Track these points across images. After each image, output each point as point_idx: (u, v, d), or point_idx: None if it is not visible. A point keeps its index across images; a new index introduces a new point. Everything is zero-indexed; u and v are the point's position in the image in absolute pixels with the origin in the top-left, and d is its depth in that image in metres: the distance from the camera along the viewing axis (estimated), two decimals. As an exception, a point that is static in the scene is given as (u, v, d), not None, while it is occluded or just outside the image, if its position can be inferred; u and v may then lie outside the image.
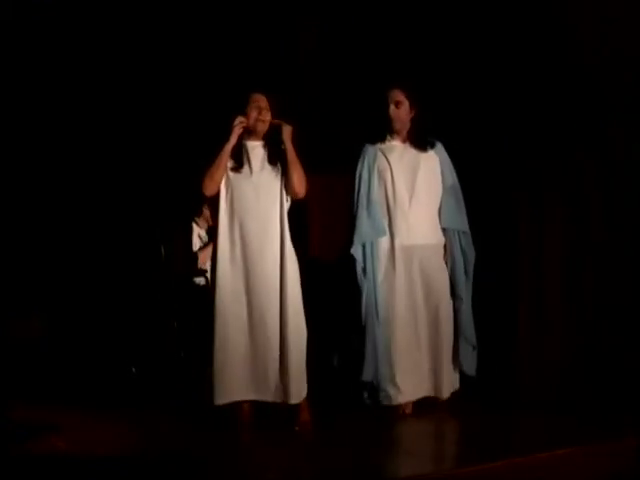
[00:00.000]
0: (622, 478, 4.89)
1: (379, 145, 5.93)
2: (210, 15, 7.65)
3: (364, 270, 5.84)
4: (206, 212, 7.02)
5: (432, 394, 5.89)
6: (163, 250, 6.84)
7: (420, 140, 5.89)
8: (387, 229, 5.85)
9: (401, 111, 5.86)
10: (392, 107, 5.85)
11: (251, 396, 5.48)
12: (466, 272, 5.94)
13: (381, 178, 5.88)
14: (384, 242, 5.86)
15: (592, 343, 6.34)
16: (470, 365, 5.96)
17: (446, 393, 5.88)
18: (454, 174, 5.97)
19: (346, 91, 7.52)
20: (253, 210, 5.45)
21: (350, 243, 5.89)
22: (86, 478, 4.67)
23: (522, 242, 6.68)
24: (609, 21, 6.36)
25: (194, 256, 6.88)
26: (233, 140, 5.44)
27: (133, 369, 6.89)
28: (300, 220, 5.88)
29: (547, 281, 6.35)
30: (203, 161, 5.86)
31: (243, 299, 5.43)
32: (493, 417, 5.77)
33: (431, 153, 5.90)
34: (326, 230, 7.51)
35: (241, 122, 5.43)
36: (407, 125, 5.89)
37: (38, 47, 7.64)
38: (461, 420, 5.75)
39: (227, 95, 6.23)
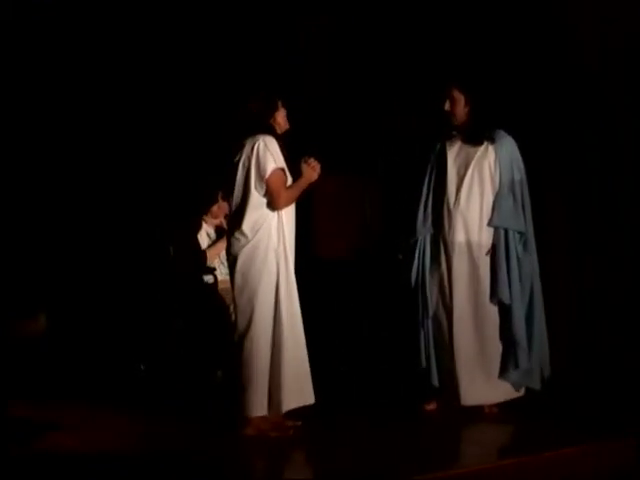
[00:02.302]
0: (623, 478, 4.89)
1: (447, 140, 5.91)
2: (212, 15, 7.62)
3: (418, 264, 5.86)
4: (214, 209, 6.98)
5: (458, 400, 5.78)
6: (171, 249, 6.80)
7: (473, 135, 5.81)
8: (434, 226, 5.85)
9: (455, 107, 5.81)
10: (447, 103, 5.82)
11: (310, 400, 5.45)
12: (520, 276, 5.74)
13: (439, 173, 5.88)
14: (434, 237, 5.86)
15: (592, 343, 6.36)
16: (524, 375, 5.77)
17: (467, 400, 5.75)
18: (517, 171, 5.79)
19: (353, 89, 7.48)
20: (290, 209, 5.50)
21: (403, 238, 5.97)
22: (92, 476, 4.67)
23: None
24: (609, 21, 6.37)
25: (203, 254, 6.86)
26: (311, 180, 5.45)
27: (141, 367, 6.85)
28: (306, 219, 5.90)
29: (551, 281, 6.37)
30: (211, 161, 5.88)
31: (295, 304, 5.42)
32: (495, 417, 5.78)
33: (489, 148, 5.78)
34: (331, 227, 7.50)
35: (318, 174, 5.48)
36: (463, 120, 5.83)
37: (38, 47, 7.57)
38: (463, 420, 5.72)
39: (232, 95, 6.22)
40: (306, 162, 5.45)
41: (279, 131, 5.50)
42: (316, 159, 5.46)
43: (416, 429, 5.57)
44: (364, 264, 7.23)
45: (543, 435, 5.24)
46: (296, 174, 5.47)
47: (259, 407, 5.30)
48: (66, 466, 4.80)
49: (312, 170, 5.46)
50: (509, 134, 5.82)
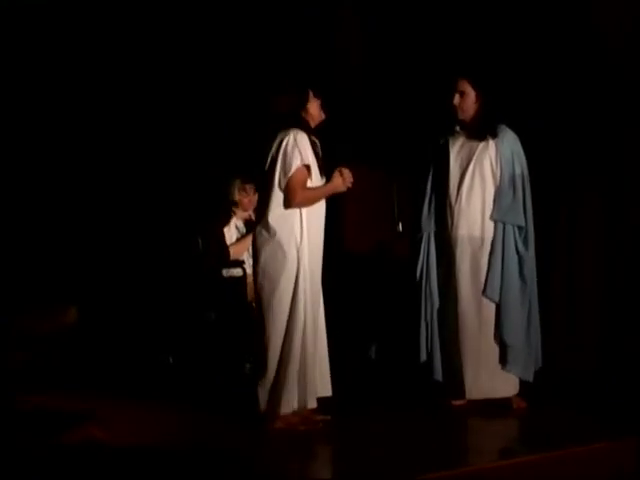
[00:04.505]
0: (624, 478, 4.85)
1: (449, 137, 5.88)
2: (241, 6, 7.65)
3: (423, 259, 5.88)
4: (245, 202, 7.03)
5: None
6: (200, 242, 6.85)
7: (478, 130, 5.77)
8: (439, 221, 5.86)
9: (465, 101, 5.77)
10: (456, 97, 5.78)
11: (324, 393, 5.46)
12: (520, 272, 5.71)
13: (442, 169, 5.85)
14: (439, 234, 5.87)
15: (623, 343, 6.32)
16: (523, 369, 5.75)
17: (467, 394, 5.76)
18: (519, 166, 5.73)
19: (386, 83, 7.47)
20: (319, 207, 5.45)
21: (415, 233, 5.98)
22: (119, 468, 4.69)
23: (557, 232, 6.68)
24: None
25: (226, 248, 6.85)
26: (337, 190, 5.42)
27: (170, 359, 6.95)
28: (335, 213, 5.88)
29: (582, 281, 6.32)
30: (243, 155, 5.97)
31: (309, 299, 5.35)
32: (521, 413, 5.77)
33: (490, 143, 5.73)
34: (361, 222, 7.54)
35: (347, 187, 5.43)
36: (471, 115, 5.79)
37: (43, 47, 7.66)
38: (489, 416, 5.73)
39: (264, 88, 6.18)
40: (340, 172, 5.39)
41: (313, 123, 5.44)
42: (352, 170, 5.39)
43: (440, 424, 5.56)
44: (391, 261, 7.25)
45: (564, 433, 5.21)
46: (328, 173, 5.42)
47: (266, 404, 5.31)
48: (94, 458, 4.83)
49: (342, 181, 5.38)
50: (538, 132, 5.79)
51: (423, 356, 5.88)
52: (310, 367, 5.31)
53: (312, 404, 5.37)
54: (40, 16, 7.62)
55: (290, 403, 5.28)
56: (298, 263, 5.29)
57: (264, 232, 5.33)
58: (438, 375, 5.87)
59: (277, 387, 5.27)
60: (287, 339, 5.27)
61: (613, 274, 6.51)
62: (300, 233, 5.31)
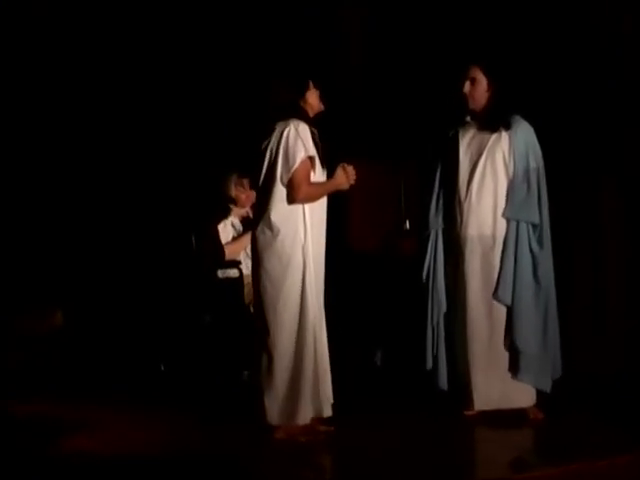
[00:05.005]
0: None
1: (459, 128, 5.65)
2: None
3: (430, 259, 5.65)
4: (242, 198, 6.84)
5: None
6: (194, 241, 6.69)
7: (491, 122, 5.52)
8: (448, 218, 5.62)
9: (476, 89, 5.53)
10: (467, 84, 5.55)
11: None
12: (534, 272, 5.46)
13: (451, 163, 5.62)
14: (447, 231, 5.64)
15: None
16: (537, 377, 5.51)
17: (477, 404, 5.51)
18: (533, 159, 5.48)
19: (391, 77, 7.41)
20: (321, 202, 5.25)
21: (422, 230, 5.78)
22: (111, 477, 4.61)
23: (578, 234, 6.59)
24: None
25: (221, 247, 6.69)
26: (341, 187, 5.23)
27: (162, 367, 6.82)
28: (339, 209, 5.77)
29: (606, 279, 6.19)
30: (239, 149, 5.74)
31: (316, 306, 5.16)
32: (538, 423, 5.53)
33: (503, 135, 5.49)
34: (366, 219, 7.42)
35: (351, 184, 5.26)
36: (483, 105, 5.55)
37: (44, 47, 7.64)
38: (502, 426, 5.47)
39: (262, 79, 6.06)
40: (344, 168, 5.20)
41: (312, 113, 5.25)
42: (356, 166, 5.22)
43: (450, 434, 5.34)
44: (397, 260, 7.10)
45: (583, 445, 4.97)
46: (330, 166, 5.22)
47: (279, 415, 5.10)
48: (80, 467, 4.71)
49: (345, 178, 5.21)
50: (557, 122, 5.61)
51: (429, 363, 5.68)
52: (322, 373, 5.12)
53: (327, 412, 5.19)
54: (40, 16, 7.67)
55: (307, 413, 5.11)
56: (304, 264, 5.10)
57: (267, 231, 5.11)
58: (443, 384, 5.65)
59: (291, 397, 5.09)
60: (299, 346, 5.08)
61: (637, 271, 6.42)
62: (304, 231, 5.11)
